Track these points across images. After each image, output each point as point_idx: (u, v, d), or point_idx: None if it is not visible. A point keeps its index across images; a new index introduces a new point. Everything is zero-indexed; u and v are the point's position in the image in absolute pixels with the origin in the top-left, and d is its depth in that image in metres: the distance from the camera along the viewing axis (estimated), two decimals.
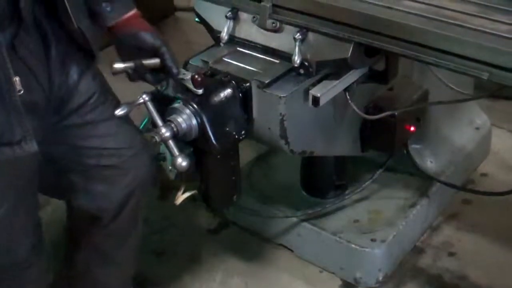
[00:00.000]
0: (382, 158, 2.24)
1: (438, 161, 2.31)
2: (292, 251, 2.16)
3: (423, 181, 2.25)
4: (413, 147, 2.25)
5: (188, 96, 1.58)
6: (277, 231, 2.17)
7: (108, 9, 1.43)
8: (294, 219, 2.11)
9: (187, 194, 1.71)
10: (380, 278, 2.05)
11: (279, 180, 2.28)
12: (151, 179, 1.60)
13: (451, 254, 2.17)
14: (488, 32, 1.42)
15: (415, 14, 1.50)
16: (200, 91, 1.57)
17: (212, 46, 1.75)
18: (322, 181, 2.18)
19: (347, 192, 2.18)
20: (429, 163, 2.30)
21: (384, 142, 1.98)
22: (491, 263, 2.13)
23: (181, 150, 1.53)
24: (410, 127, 2.00)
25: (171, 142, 1.51)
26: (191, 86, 1.58)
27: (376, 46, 1.53)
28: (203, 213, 2.30)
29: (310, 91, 1.63)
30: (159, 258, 2.16)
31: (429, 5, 1.53)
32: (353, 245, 2.03)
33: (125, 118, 1.50)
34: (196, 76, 1.56)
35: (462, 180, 2.41)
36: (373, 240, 2.04)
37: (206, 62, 1.71)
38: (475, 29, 1.43)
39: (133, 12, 1.48)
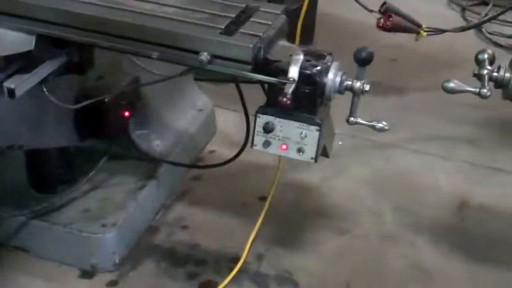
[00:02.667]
0: (115, 148, 2.33)
1: (164, 143, 2.45)
2: (28, 251, 2.15)
3: (152, 164, 2.37)
4: (139, 133, 2.37)
5: None
6: (9, 233, 2.14)
7: None
8: (23, 218, 2.10)
9: None
10: (117, 261, 2.13)
11: (6, 181, 2.25)
12: None
13: (184, 228, 2.32)
14: (155, 15, 1.56)
15: (89, 3, 1.60)
16: None
17: None
18: (48, 177, 2.20)
19: (76, 184, 2.23)
20: (156, 146, 2.43)
21: (99, 129, 2.06)
22: (219, 229, 2.32)
23: None
24: (124, 113, 2.11)
25: None
26: None
27: (59, 37, 1.59)
28: None
29: (4, 84, 1.63)
30: None
31: None
32: (84, 234, 2.08)
33: None
34: None
35: (191, 158, 2.59)
36: (103, 225, 2.11)
37: None
38: (144, 14, 1.57)
39: None
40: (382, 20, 2.54)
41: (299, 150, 1.57)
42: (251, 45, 1.46)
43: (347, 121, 1.60)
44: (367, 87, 1.53)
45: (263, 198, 2.41)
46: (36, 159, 2.16)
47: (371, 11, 2.54)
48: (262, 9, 1.62)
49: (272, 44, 1.53)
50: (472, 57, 1.60)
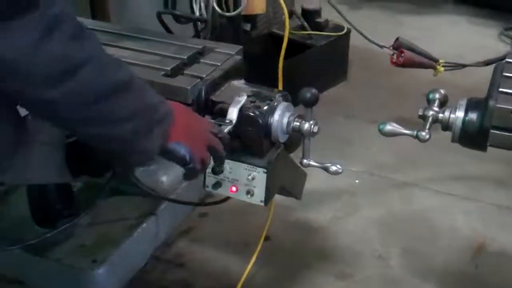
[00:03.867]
0: (115, 184, 2.37)
1: (170, 179, 2.47)
2: (23, 283, 2.22)
3: (154, 201, 2.39)
4: (144, 170, 2.41)
5: None
6: (6, 265, 2.22)
7: None
8: (19, 251, 2.17)
9: None
10: None
11: (13, 216, 2.34)
12: None
13: (180, 265, 2.33)
14: None
15: None
16: None
17: None
18: (49, 211, 2.26)
19: (76, 220, 2.28)
20: (161, 183, 2.45)
21: (91, 167, 2.10)
22: (216, 268, 2.31)
23: None
24: None
25: None
26: None
27: None
28: None
29: None
30: None
31: None
32: (74, 269, 2.12)
33: None
34: None
35: (199, 195, 2.58)
36: (94, 261, 2.13)
37: None
38: None
39: None
40: (395, 56, 2.45)
41: (248, 192, 1.54)
42: (189, 87, 1.45)
43: (301, 163, 1.55)
44: (315, 129, 1.48)
45: (266, 238, 2.36)
46: (37, 193, 2.24)
47: (382, 47, 2.47)
48: (217, 49, 1.61)
49: (218, 85, 1.52)
50: None
